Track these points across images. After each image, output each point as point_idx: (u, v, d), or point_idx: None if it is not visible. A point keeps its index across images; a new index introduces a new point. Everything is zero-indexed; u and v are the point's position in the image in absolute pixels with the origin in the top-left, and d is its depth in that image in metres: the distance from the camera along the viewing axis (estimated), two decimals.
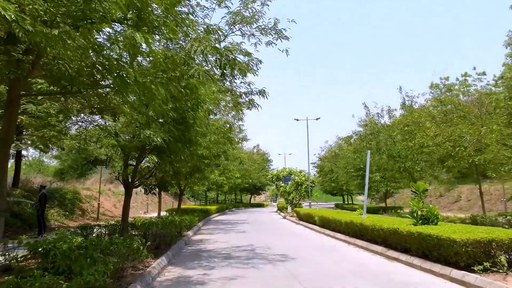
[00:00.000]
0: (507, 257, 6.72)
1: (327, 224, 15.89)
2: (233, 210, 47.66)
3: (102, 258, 5.75)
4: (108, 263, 5.63)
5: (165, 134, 8.49)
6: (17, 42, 4.38)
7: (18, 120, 10.56)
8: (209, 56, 7.04)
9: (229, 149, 20.44)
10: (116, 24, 5.58)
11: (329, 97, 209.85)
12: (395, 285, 6.71)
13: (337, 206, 47.26)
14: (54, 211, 19.62)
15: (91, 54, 4.46)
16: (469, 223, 14.06)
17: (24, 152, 29.35)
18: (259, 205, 69.81)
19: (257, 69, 8.18)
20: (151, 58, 7.09)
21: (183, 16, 6.88)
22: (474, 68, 44.84)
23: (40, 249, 6.06)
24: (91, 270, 4.92)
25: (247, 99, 10.73)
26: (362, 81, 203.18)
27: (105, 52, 4.50)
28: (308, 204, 35.52)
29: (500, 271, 6.46)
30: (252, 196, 69.67)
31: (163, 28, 5.71)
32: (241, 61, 7.35)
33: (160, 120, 9.03)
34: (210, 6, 9.05)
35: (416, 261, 8.00)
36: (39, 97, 8.42)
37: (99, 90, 6.27)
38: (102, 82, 5.78)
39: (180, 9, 7.18)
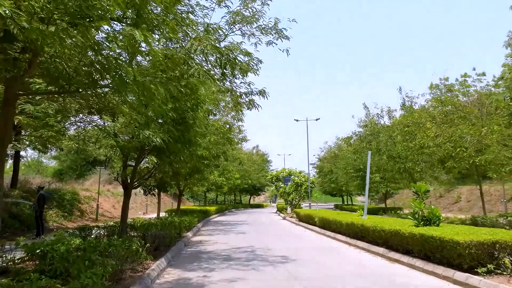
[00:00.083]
0: (511, 259, 6.63)
1: (327, 225, 15.81)
2: (232, 211, 47.56)
3: (100, 260, 5.66)
4: (107, 265, 5.54)
5: (164, 134, 8.40)
6: (13, 40, 4.29)
7: (16, 121, 10.47)
8: (210, 55, 6.97)
9: (228, 150, 20.37)
10: (115, 22, 5.50)
11: (329, 97, 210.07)
12: (397, 287, 6.63)
13: (337, 206, 47.19)
14: (53, 212, 19.50)
15: (90, 53, 4.38)
16: (469, 224, 14.01)
17: (23, 153, 29.24)
18: (259, 206, 69.72)
19: (258, 68, 8.10)
20: (150, 57, 7.03)
21: (183, 15, 6.80)
22: (474, 69, 44.86)
23: (37, 251, 5.98)
24: (88, 273, 4.83)
25: (247, 99, 10.64)
26: (362, 81, 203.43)
27: (103, 50, 4.41)
28: (307, 204, 35.45)
29: (504, 273, 6.37)
30: (252, 197, 69.60)
31: (162, 27, 5.63)
32: (241, 60, 7.26)
33: (160, 121, 8.95)
34: (210, 5, 8.98)
35: (418, 263, 7.92)
36: (37, 97, 8.32)
37: (98, 89, 6.18)
38: (101, 81, 5.69)
39: (179, 7, 7.10)
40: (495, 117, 18.03)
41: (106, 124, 9.95)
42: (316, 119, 37.70)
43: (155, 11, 5.83)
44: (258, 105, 10.49)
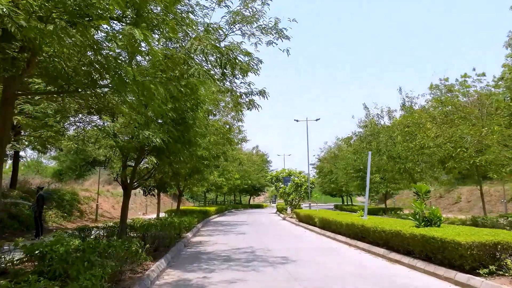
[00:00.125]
0: None
1: (327, 226, 15.77)
2: (232, 211, 47.51)
3: (99, 261, 5.61)
4: (106, 266, 5.49)
5: (164, 134, 8.36)
6: (12, 39, 4.25)
7: (15, 121, 10.43)
8: (210, 55, 6.93)
9: (228, 150, 20.34)
10: (115, 22, 5.46)
11: (329, 97, 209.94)
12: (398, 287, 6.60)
13: (336, 207, 47.17)
14: (52, 213, 19.45)
15: (89, 52, 4.33)
16: (470, 225, 13.98)
17: (22, 153, 29.22)
18: (258, 206, 69.68)
19: (258, 68, 8.06)
20: (150, 57, 6.99)
21: (183, 15, 6.76)
22: (474, 69, 44.94)
23: (36, 252, 5.93)
24: (88, 275, 4.78)
25: (247, 99, 10.60)
26: (362, 81, 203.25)
27: (103, 50, 4.37)
28: (307, 205, 35.40)
29: (506, 274, 6.33)
30: (251, 197, 69.55)
31: (162, 26, 5.59)
32: (242, 60, 7.22)
33: (159, 121, 8.91)
34: (210, 5, 8.95)
35: (419, 263, 7.88)
36: (37, 98, 8.27)
37: (97, 90, 6.14)
38: (100, 81, 5.65)
39: (179, 7, 7.06)
40: (495, 118, 18.01)
41: (105, 124, 9.91)
42: (316, 120, 37.69)
43: (155, 11, 5.79)
44: (258, 105, 10.45)
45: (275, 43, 9.28)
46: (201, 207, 35.76)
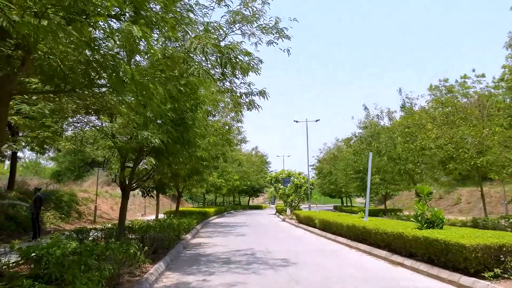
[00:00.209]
0: None
1: (327, 227, 15.66)
2: (231, 213, 47.37)
3: (97, 264, 5.48)
4: (103, 270, 5.37)
5: (163, 135, 8.25)
6: (6, 37, 4.13)
7: (12, 121, 10.30)
8: (210, 55, 6.82)
9: (227, 151, 20.24)
10: (113, 20, 5.34)
11: (329, 97, 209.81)
12: None
13: (336, 208, 47.08)
14: (50, 214, 19.30)
15: (86, 51, 4.21)
16: (470, 226, 13.89)
17: (20, 154, 29.03)
18: (257, 207, 69.56)
19: (259, 68, 7.96)
20: (149, 56, 6.88)
21: (183, 13, 6.65)
22: (473, 70, 44.99)
23: (32, 255, 5.80)
24: (84, 279, 4.65)
25: (247, 99, 10.50)
26: (362, 81, 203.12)
27: (100, 47, 4.25)
28: (307, 206, 35.29)
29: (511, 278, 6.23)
30: (250, 198, 69.42)
31: (162, 24, 5.47)
32: (242, 59, 7.11)
33: (158, 121, 8.80)
34: (210, 4, 8.85)
35: (422, 266, 7.76)
36: (34, 97, 8.14)
37: (95, 89, 6.02)
38: (98, 80, 5.53)
39: (179, 6, 6.95)
40: (495, 119, 17.95)
41: (103, 125, 9.79)
42: (316, 120, 37.67)
43: (154, 10, 5.68)
44: (258, 105, 10.35)
45: (275, 42, 9.19)
46: (200, 208, 35.62)
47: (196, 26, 7.67)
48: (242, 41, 8.40)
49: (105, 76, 4.92)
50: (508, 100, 24.87)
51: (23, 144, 17.76)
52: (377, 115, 25.97)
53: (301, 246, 12.84)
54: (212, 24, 7.94)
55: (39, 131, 8.94)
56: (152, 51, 4.61)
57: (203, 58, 7.08)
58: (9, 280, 5.25)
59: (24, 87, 6.98)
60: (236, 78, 8.65)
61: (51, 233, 11.35)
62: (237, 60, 6.79)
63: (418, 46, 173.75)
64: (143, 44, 6.79)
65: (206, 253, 11.31)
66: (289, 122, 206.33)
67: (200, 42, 6.08)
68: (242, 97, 10.43)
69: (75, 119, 9.81)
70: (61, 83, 5.16)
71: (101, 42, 5.37)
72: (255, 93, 9.97)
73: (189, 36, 7.00)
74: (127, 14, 5.19)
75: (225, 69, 6.79)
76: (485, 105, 19.21)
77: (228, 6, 9.00)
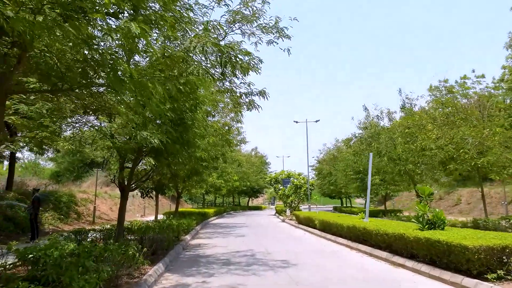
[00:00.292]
0: None
1: (328, 228, 15.58)
2: (231, 213, 47.27)
3: (95, 266, 5.40)
4: (101, 272, 5.28)
5: (162, 135, 8.17)
6: (2, 35, 4.05)
7: (10, 121, 10.21)
8: (210, 54, 6.75)
9: (227, 152, 20.18)
10: (112, 19, 5.27)
11: (329, 97, 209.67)
12: None
13: (335, 209, 46.99)
14: (49, 215, 19.19)
15: (83, 48, 4.13)
16: (471, 227, 13.82)
17: (19, 155, 28.92)
18: (257, 208, 69.48)
19: (259, 68, 7.89)
20: (148, 55, 6.80)
21: (183, 11, 6.58)
22: (473, 71, 44.99)
23: (29, 257, 5.72)
24: (81, 281, 4.57)
25: (247, 100, 10.43)
26: (362, 81, 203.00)
27: (97, 45, 4.16)
28: (307, 207, 35.21)
29: None
30: (250, 199, 69.33)
31: (161, 23, 5.40)
32: (242, 59, 7.05)
33: (158, 121, 8.72)
34: (209, 4, 8.79)
35: (424, 268, 7.68)
36: (32, 97, 8.07)
37: (93, 88, 5.94)
38: (96, 79, 5.45)
39: (178, 6, 6.88)
40: (496, 119, 17.90)
41: (102, 125, 9.71)
42: (316, 121, 37.61)
43: (153, 9, 5.61)
44: (258, 105, 10.29)
45: (275, 42, 9.13)
46: (199, 209, 35.54)
47: (195, 26, 7.60)
48: (242, 40, 8.35)
49: (103, 75, 4.84)
50: (508, 100, 24.83)
51: (21, 144, 17.66)
52: (377, 115, 25.91)
53: (301, 247, 12.77)
54: (212, 23, 7.87)
55: (37, 131, 8.85)
56: (151, 49, 4.54)
57: (203, 58, 7.02)
58: (5, 282, 5.17)
59: (22, 86, 6.91)
60: (236, 77, 8.58)
61: (50, 234, 11.26)
62: (237, 59, 6.72)
63: (418, 46, 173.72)
64: (142, 44, 6.74)
65: (206, 254, 11.23)
66: (289, 122, 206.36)
67: (199, 41, 6.02)
68: (242, 97, 10.37)
69: (74, 119, 9.73)
70: (58, 82, 5.08)
71: (99, 41, 5.30)
72: (255, 93, 9.91)
73: (188, 36, 6.94)
74: (125, 12, 5.12)
75: (225, 69, 6.72)
76: (485, 106, 19.16)
77: (228, 6, 8.94)
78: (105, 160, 14.16)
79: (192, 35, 6.76)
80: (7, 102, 7.60)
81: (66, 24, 3.35)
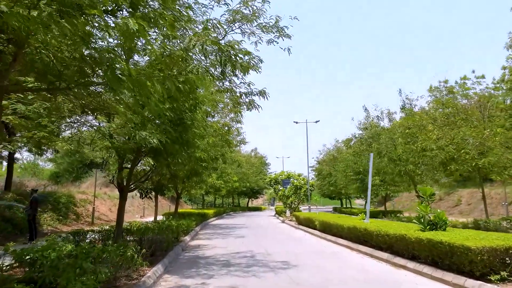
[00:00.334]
0: None
1: (328, 229, 15.50)
2: (230, 214, 47.15)
3: (92, 268, 5.32)
4: (99, 273, 5.21)
5: (161, 135, 8.10)
6: None
7: (8, 121, 10.12)
8: (209, 54, 6.68)
9: (227, 152, 20.09)
10: (110, 16, 5.19)
11: (329, 97, 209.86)
12: None
13: (335, 210, 46.90)
14: (47, 216, 19.09)
15: (80, 45, 4.05)
16: (472, 228, 13.76)
17: (18, 156, 28.83)
18: (257, 209, 69.33)
19: (259, 67, 7.82)
20: (147, 54, 6.73)
21: (182, 11, 6.51)
22: (473, 71, 44.92)
23: (26, 258, 5.65)
24: (78, 283, 4.49)
25: (247, 99, 10.36)
26: (362, 81, 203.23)
27: (95, 42, 4.09)
28: (307, 208, 35.10)
29: None
30: (250, 199, 69.22)
31: (160, 21, 5.32)
32: (242, 58, 6.97)
33: (157, 121, 8.65)
34: (209, 3, 8.73)
35: (426, 269, 7.61)
36: (29, 97, 7.98)
37: (91, 87, 5.86)
38: (93, 78, 5.37)
39: (178, 6, 6.81)
40: (497, 120, 17.86)
41: (101, 125, 9.63)
42: (316, 122, 37.59)
43: (152, 7, 5.54)
44: (258, 105, 10.21)
45: (275, 41, 9.06)
46: (199, 209, 35.45)
47: (195, 25, 7.53)
48: (242, 40, 8.27)
49: (101, 73, 4.76)
50: (508, 101, 24.77)
51: (19, 144, 17.56)
52: (377, 116, 25.86)
53: (301, 248, 12.68)
54: (211, 22, 7.80)
55: (35, 131, 8.77)
56: (149, 47, 4.46)
57: (203, 57, 6.95)
58: (1, 284, 5.09)
59: (19, 85, 6.83)
60: (236, 77, 8.52)
61: (48, 235, 11.17)
62: (237, 58, 6.64)
63: (418, 46, 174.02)
64: (141, 43, 6.66)
65: (205, 256, 11.15)
66: (289, 122, 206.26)
67: (199, 39, 5.94)
68: (242, 97, 10.29)
69: (72, 119, 9.65)
70: (55, 80, 5.00)
71: (97, 39, 5.23)
72: (255, 93, 9.84)
73: (188, 35, 6.87)
74: (124, 10, 5.05)
75: (224, 68, 6.64)
76: (486, 106, 19.12)
77: (227, 5, 8.87)
78: (104, 160, 14.09)
79: (192, 34, 6.69)
80: (5, 102, 7.52)
81: (63, 20, 3.28)
